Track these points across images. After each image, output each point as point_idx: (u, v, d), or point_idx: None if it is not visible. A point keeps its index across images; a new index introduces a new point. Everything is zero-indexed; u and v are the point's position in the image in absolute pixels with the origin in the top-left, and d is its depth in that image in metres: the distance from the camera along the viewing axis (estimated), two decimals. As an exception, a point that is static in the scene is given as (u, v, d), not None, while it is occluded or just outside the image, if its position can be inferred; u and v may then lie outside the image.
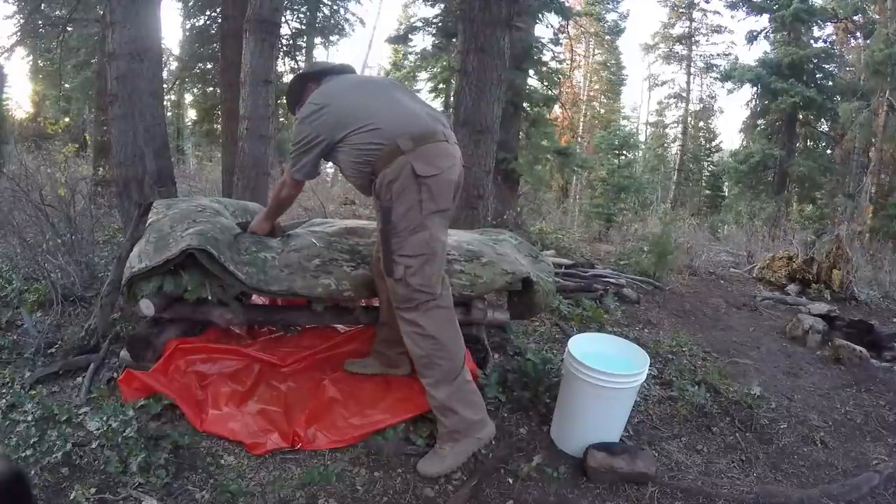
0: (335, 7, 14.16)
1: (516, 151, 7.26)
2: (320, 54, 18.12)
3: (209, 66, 12.68)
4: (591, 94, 24.66)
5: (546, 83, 7.85)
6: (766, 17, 15.53)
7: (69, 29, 8.03)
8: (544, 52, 7.92)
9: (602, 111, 24.65)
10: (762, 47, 22.11)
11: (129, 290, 2.07)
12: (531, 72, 7.41)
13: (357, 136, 1.79)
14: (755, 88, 15.23)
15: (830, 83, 14.26)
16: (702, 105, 23.27)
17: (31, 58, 15.34)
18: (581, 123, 23.08)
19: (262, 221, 2.19)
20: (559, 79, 8.38)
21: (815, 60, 14.24)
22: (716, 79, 19.18)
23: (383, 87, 1.99)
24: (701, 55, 22.34)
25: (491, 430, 1.93)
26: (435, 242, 1.78)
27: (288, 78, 14.55)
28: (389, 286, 1.84)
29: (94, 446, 1.77)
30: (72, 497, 1.56)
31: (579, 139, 21.97)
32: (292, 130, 1.96)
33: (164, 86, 7.89)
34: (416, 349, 1.83)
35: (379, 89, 1.95)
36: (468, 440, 1.87)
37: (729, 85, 15.66)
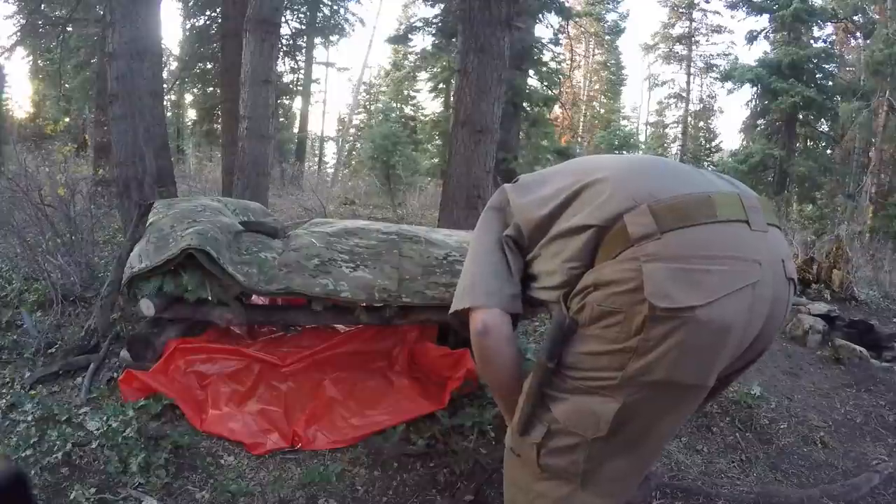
0: (335, 7, 14.21)
1: (516, 151, 7.29)
2: (320, 54, 18.16)
3: (209, 66, 12.69)
4: (591, 94, 24.71)
5: (546, 83, 7.88)
6: (766, 17, 15.54)
7: (69, 29, 8.04)
8: (544, 52, 7.96)
9: (602, 111, 24.69)
10: (762, 47, 22.16)
11: (130, 290, 2.07)
12: (531, 72, 7.44)
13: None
14: (755, 88, 15.22)
15: (830, 83, 14.26)
16: (702, 105, 23.35)
17: (31, 58, 15.32)
18: (581, 123, 23.12)
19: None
20: (559, 79, 8.41)
21: (815, 60, 14.24)
22: (716, 79, 19.27)
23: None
24: (701, 55, 22.42)
25: None
26: (632, 431, 0.95)
27: (288, 78, 14.63)
28: (509, 437, 1.10)
29: (94, 446, 1.76)
30: (72, 497, 1.55)
31: (579, 139, 21.99)
32: None
33: (164, 86, 7.91)
34: None
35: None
36: None
37: (729, 85, 15.68)
